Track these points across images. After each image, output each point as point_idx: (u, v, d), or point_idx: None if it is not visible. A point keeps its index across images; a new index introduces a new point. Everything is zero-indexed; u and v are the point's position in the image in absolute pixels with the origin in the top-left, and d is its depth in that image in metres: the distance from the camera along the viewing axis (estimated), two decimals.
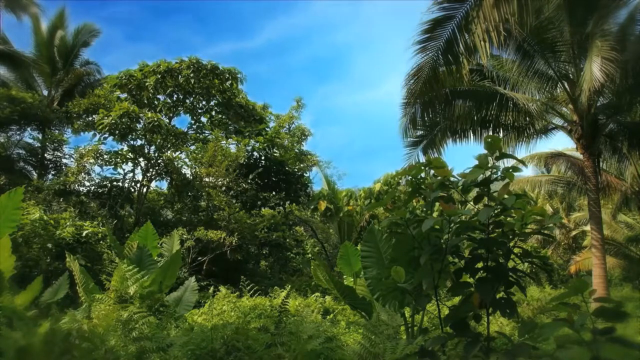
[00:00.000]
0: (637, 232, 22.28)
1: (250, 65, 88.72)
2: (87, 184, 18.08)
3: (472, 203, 3.47)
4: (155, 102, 19.89)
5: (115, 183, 18.40)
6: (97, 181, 18.29)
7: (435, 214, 3.76)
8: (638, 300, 14.99)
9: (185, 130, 20.33)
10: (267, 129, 21.93)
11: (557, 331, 2.49)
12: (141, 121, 17.86)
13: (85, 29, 23.29)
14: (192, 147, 19.62)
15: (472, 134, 13.37)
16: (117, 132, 17.37)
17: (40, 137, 20.33)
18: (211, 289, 11.74)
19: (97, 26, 23.86)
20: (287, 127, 24.09)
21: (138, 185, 18.83)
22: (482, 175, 3.34)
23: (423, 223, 3.33)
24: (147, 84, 18.87)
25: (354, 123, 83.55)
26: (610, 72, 9.59)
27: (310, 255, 21.93)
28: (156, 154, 18.73)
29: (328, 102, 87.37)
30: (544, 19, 11.28)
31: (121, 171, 18.50)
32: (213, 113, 20.92)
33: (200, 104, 20.62)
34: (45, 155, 20.43)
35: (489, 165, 3.29)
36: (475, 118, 12.89)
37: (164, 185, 21.19)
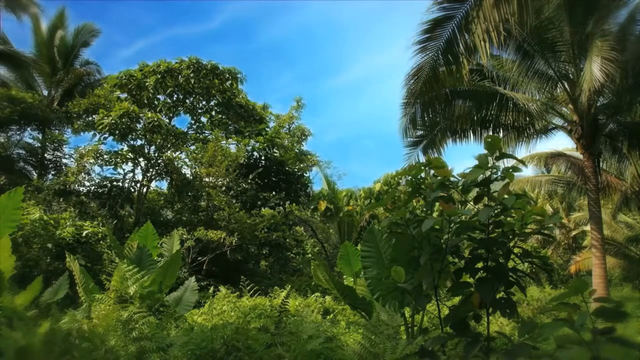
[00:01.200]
0: (637, 232, 22.28)
1: (209, 49, 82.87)
2: (87, 184, 18.11)
3: (472, 203, 3.47)
4: (155, 102, 19.89)
5: (115, 183, 18.42)
6: (97, 181, 18.31)
7: (435, 214, 3.77)
8: (638, 300, 14.99)
9: (185, 130, 20.35)
10: (267, 129, 21.93)
11: (557, 331, 2.49)
12: (141, 121, 17.86)
13: (85, 29, 23.30)
14: (192, 147, 19.61)
15: (472, 134, 13.37)
16: (117, 132, 17.37)
17: (40, 137, 20.34)
18: (211, 289, 11.74)
19: (97, 26, 23.92)
20: (287, 127, 24.10)
21: (138, 185, 18.84)
22: (482, 175, 3.34)
23: (423, 223, 3.33)
24: (147, 84, 18.88)
25: (323, 110, 79.66)
26: (610, 72, 9.59)
27: (310, 255, 21.93)
28: (156, 154, 18.73)
29: (294, 88, 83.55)
30: (544, 19, 11.27)
31: (121, 171, 18.54)
32: (213, 113, 20.92)
33: (200, 104, 20.63)
34: (45, 155, 20.43)
35: (489, 165, 3.30)
36: (475, 118, 12.89)
37: (164, 185, 21.23)
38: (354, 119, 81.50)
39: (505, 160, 3.63)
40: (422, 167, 3.68)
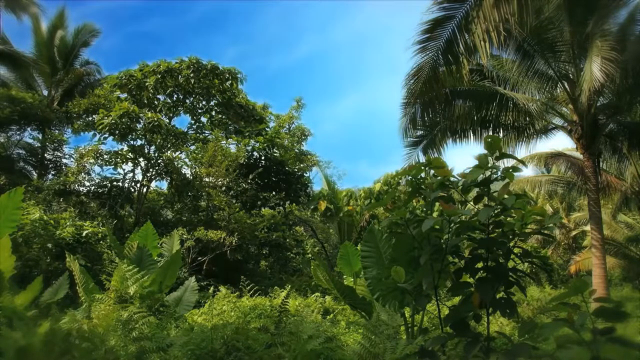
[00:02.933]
0: (637, 232, 22.27)
1: (130, 25, 73.41)
2: (87, 184, 18.10)
3: (472, 203, 3.47)
4: (155, 102, 19.89)
5: (115, 183, 18.40)
6: (97, 181, 18.30)
7: (435, 214, 3.77)
8: (638, 300, 14.99)
9: (185, 130, 20.35)
10: (267, 129, 21.94)
11: (557, 331, 2.49)
12: (141, 121, 17.86)
13: (85, 29, 23.32)
14: (192, 147, 19.62)
15: (472, 134, 13.36)
16: (117, 132, 17.37)
17: (40, 137, 20.36)
18: (211, 289, 11.74)
19: (97, 26, 23.92)
20: (287, 127, 24.12)
21: (138, 185, 18.83)
22: (482, 175, 3.34)
23: (423, 223, 3.33)
24: (147, 84, 18.89)
25: (272, 91, 73.56)
26: (610, 72, 9.58)
27: (310, 255, 21.94)
28: (156, 154, 18.72)
29: (241, 65, 75.45)
30: (544, 19, 11.27)
31: (121, 171, 18.53)
32: (213, 113, 20.93)
33: (200, 104, 20.63)
34: (45, 155, 20.44)
35: (489, 165, 3.30)
36: (475, 118, 12.88)
37: (164, 185, 21.23)
38: (306, 99, 79.00)
39: (505, 160, 3.63)
40: (422, 167, 3.68)
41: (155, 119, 17.61)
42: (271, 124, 23.27)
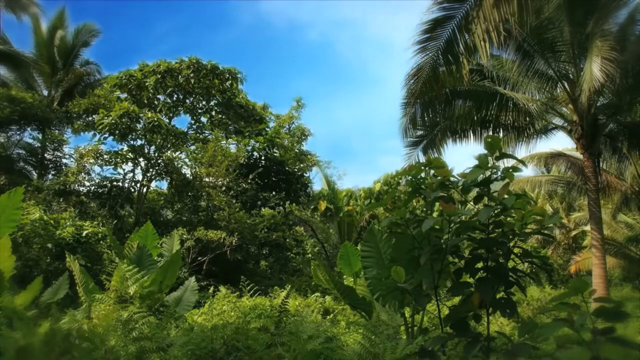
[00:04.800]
0: (637, 232, 22.26)
1: None
2: (87, 184, 18.10)
3: (472, 203, 3.47)
4: (155, 102, 19.89)
5: (115, 183, 18.40)
6: (97, 181, 18.29)
7: (435, 214, 3.77)
8: (638, 300, 14.98)
9: (185, 130, 20.35)
10: (267, 129, 21.95)
11: (557, 331, 2.49)
12: (141, 121, 17.86)
13: (85, 29, 23.34)
14: (192, 147, 19.63)
15: (472, 134, 13.36)
16: (117, 132, 17.37)
17: (40, 137, 20.36)
18: (211, 289, 11.72)
19: (97, 26, 23.93)
20: (287, 127, 24.13)
21: (138, 185, 18.83)
22: (482, 175, 3.34)
23: (423, 223, 3.34)
24: (147, 84, 18.88)
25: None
26: (610, 72, 9.57)
27: (310, 255, 21.96)
28: (156, 154, 18.73)
29: (176, 41, 71.05)
30: (544, 19, 11.27)
31: (121, 171, 18.52)
32: (213, 113, 20.93)
33: (200, 104, 20.63)
34: (45, 155, 20.45)
35: (489, 165, 3.30)
36: (475, 118, 12.88)
37: (164, 185, 21.23)
38: (254, 79, 72.84)
39: (505, 160, 3.63)
40: (422, 167, 3.69)
41: (155, 119, 17.60)
42: (271, 124, 23.29)
